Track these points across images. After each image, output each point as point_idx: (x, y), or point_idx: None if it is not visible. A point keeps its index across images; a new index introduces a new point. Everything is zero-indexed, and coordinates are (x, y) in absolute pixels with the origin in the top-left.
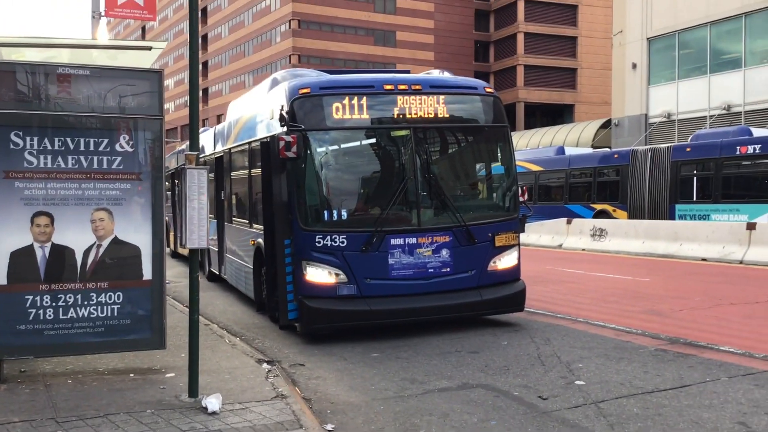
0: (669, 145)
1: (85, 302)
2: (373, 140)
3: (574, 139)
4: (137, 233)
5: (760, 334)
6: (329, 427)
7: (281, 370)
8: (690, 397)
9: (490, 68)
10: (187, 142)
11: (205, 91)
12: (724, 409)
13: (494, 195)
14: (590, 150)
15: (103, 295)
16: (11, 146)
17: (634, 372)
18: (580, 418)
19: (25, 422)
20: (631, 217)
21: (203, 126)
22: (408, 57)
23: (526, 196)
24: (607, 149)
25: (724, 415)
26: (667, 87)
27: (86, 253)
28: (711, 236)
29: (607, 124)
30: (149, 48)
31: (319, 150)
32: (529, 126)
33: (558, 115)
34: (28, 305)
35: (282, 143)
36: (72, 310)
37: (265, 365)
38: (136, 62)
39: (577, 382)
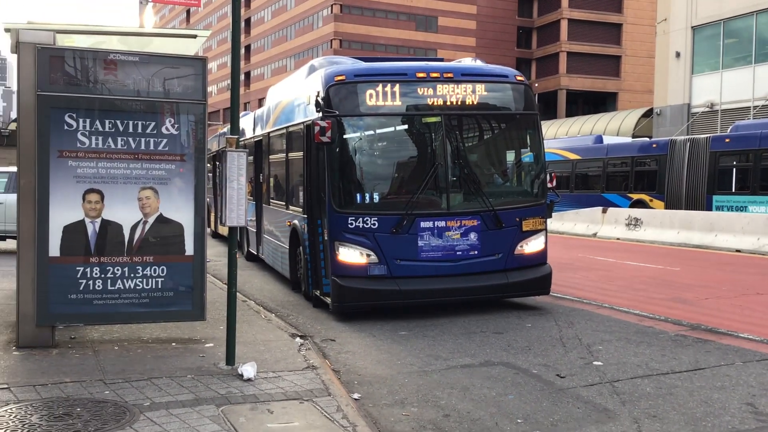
0: (708, 135)
1: (132, 275)
2: (405, 126)
3: (615, 128)
4: (180, 211)
5: None
6: (356, 396)
7: (313, 344)
8: (703, 380)
9: (533, 55)
10: (229, 126)
11: (248, 74)
12: (734, 391)
13: (523, 181)
14: (629, 139)
15: (148, 268)
16: (65, 127)
17: (651, 355)
18: (594, 395)
19: (75, 382)
20: (668, 207)
21: (244, 110)
22: (449, 43)
23: (554, 183)
24: (646, 139)
25: (733, 396)
26: (710, 76)
27: (133, 228)
28: (746, 228)
29: (648, 113)
30: (194, 36)
31: (352, 135)
32: (570, 114)
33: (600, 103)
34: (78, 276)
35: (317, 128)
36: (119, 281)
37: (297, 339)
38: (180, 48)
39: (595, 363)
